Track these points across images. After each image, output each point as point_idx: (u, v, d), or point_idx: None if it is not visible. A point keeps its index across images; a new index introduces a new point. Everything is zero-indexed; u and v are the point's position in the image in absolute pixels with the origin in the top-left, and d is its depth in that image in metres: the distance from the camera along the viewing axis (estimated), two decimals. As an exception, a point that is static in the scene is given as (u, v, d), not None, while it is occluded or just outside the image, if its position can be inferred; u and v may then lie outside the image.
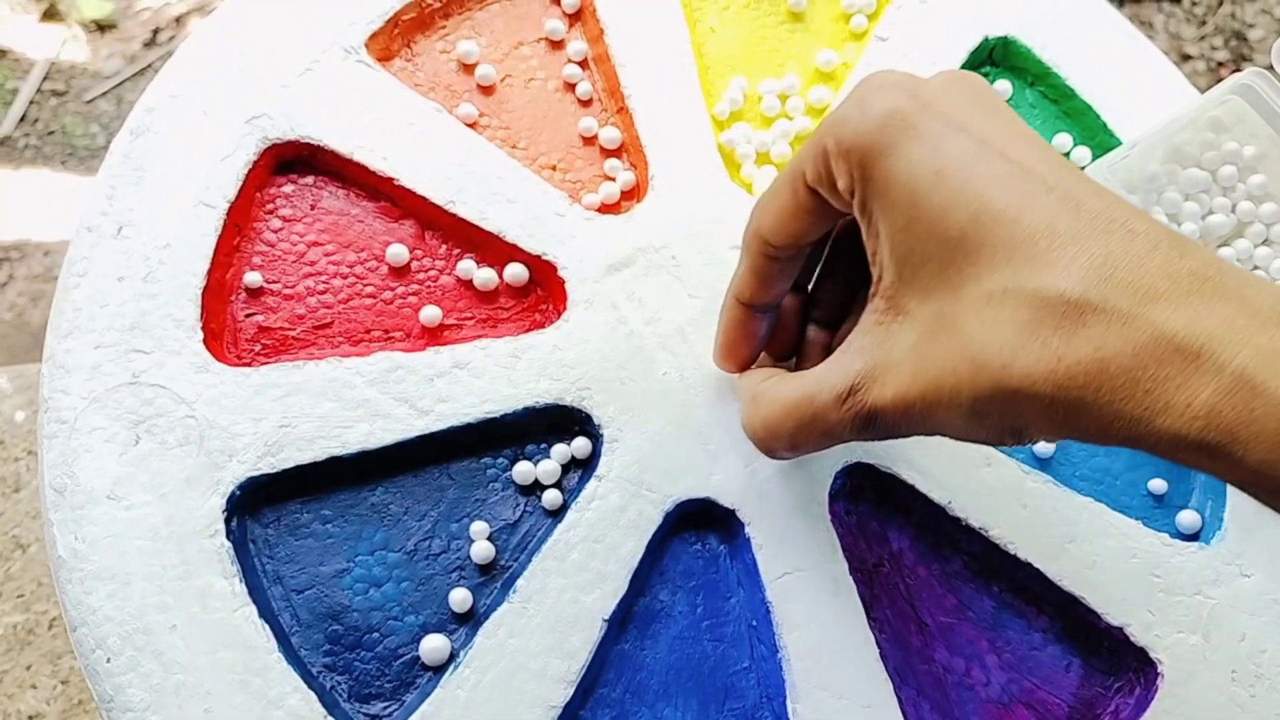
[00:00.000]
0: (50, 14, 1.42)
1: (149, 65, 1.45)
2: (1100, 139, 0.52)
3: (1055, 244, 0.29)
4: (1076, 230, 0.29)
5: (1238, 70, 1.51)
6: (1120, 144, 0.51)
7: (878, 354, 0.33)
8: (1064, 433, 0.30)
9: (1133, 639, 0.43)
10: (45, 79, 1.42)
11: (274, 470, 0.42)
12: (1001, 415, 0.30)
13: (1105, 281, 0.28)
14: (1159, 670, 0.43)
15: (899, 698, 0.42)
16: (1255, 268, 0.48)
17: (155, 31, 1.46)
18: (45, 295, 1.32)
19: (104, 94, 1.43)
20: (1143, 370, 0.27)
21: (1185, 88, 0.53)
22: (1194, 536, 0.46)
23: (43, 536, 0.81)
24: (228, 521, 0.41)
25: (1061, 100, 0.53)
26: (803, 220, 0.36)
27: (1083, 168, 0.52)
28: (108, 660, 0.39)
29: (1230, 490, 0.46)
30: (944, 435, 0.33)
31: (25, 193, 1.36)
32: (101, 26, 1.44)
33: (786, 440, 0.37)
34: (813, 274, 0.42)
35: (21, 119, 1.40)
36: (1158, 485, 0.47)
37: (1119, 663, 0.44)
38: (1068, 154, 0.52)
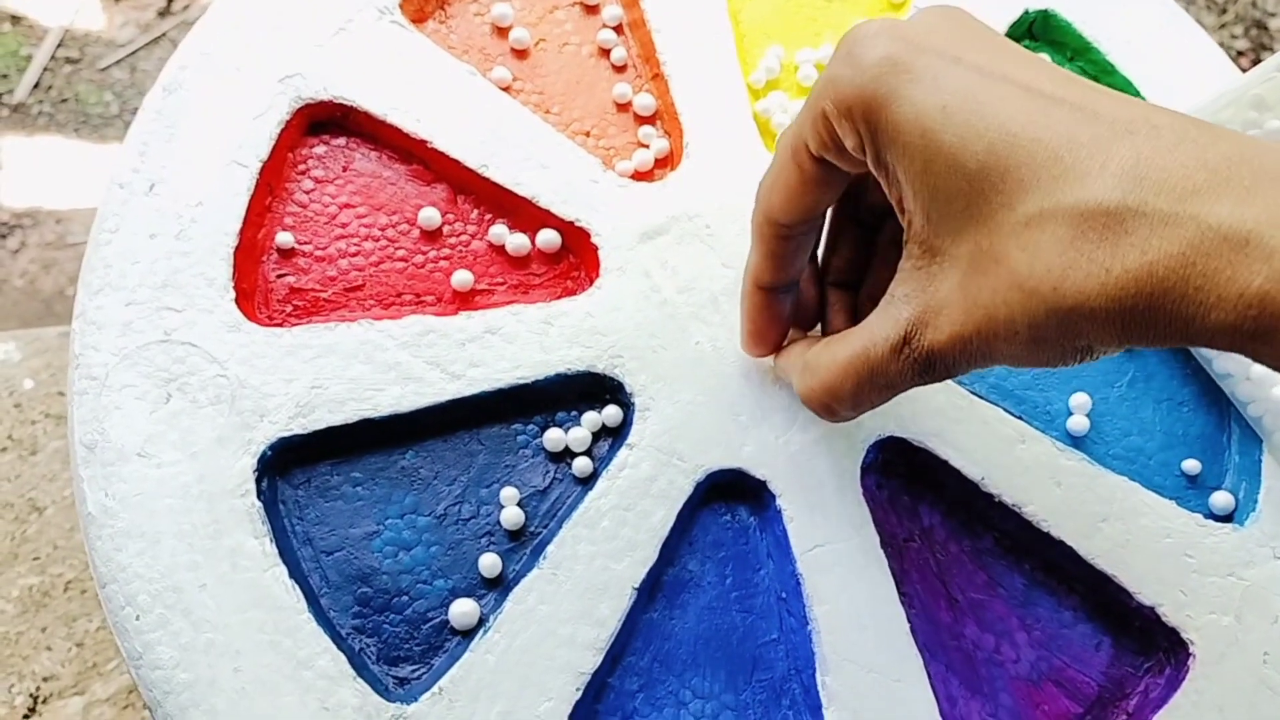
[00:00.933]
0: (66, -21, 1.41)
1: (163, 34, 1.44)
2: (1139, 116, 0.51)
3: (1081, 156, 0.28)
4: (1098, 137, 0.28)
5: (1258, 60, 1.50)
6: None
7: (924, 298, 0.32)
8: (1125, 341, 0.29)
9: (1164, 619, 0.43)
10: (59, 46, 1.41)
11: (305, 431, 0.41)
12: (1061, 336, 0.30)
13: (1139, 184, 0.27)
14: (1190, 651, 0.43)
15: (928, 672, 0.42)
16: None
17: (170, 0, 1.46)
18: (57, 262, 1.32)
19: (118, 62, 1.42)
20: (1191, 268, 0.27)
21: (1227, 66, 0.53)
22: (1228, 518, 0.46)
23: (59, 499, 0.81)
24: (258, 481, 0.41)
25: (1101, 76, 0.53)
26: (813, 193, 0.36)
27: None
28: (137, 617, 0.38)
29: (1265, 472, 0.46)
30: (1008, 365, 0.32)
31: (38, 160, 1.36)
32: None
33: (850, 400, 0.37)
34: (821, 239, 0.41)
35: (35, 86, 1.39)
36: (1191, 466, 0.46)
37: (1150, 643, 0.44)
38: (1106, 131, 0.52)
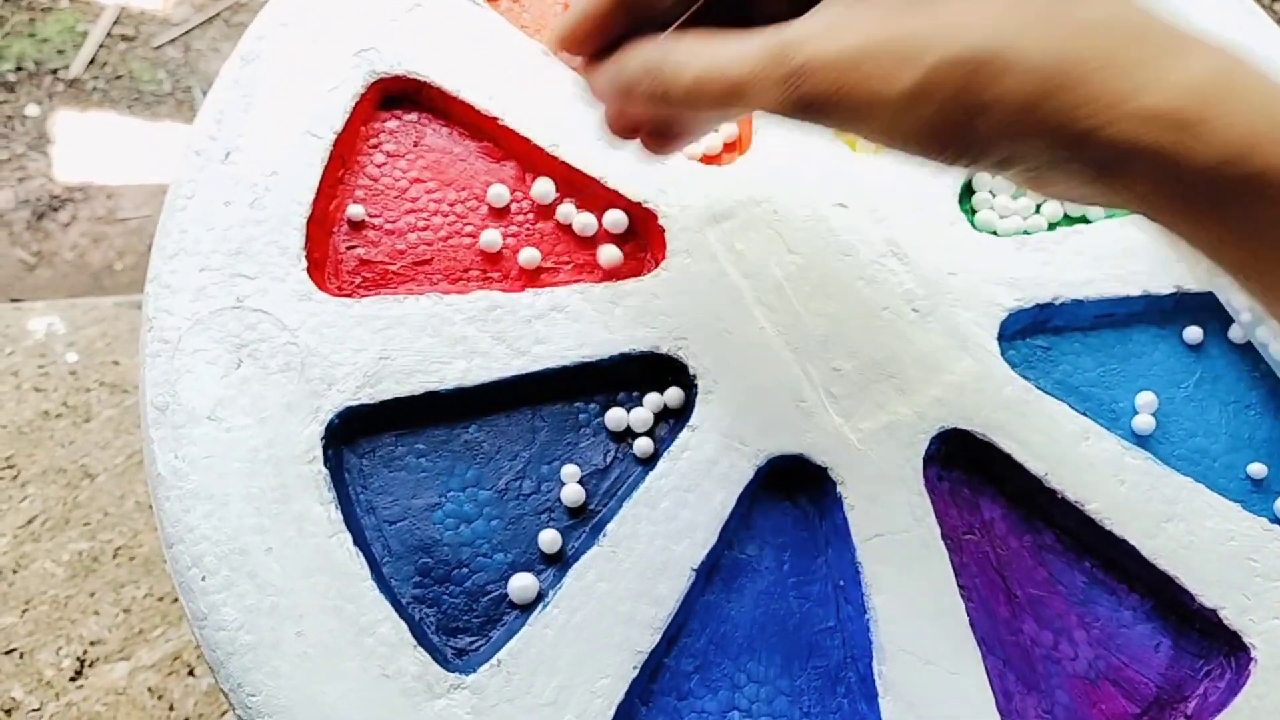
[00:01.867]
0: (125, -42, 1.43)
1: (217, 14, 1.46)
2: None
3: None
4: None
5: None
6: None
7: (832, 15, 0.29)
8: (1021, 124, 0.27)
9: (1226, 622, 0.43)
10: (115, 23, 1.43)
11: (372, 401, 0.42)
12: (955, 93, 0.27)
13: None
14: (1252, 655, 0.42)
15: (985, 666, 0.42)
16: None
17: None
18: (106, 237, 1.34)
19: (171, 41, 1.43)
20: (1133, 48, 0.26)
21: (1304, 66, 0.52)
22: (1293, 523, 0.45)
23: (111, 466, 0.82)
24: (325, 449, 0.41)
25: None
26: None
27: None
28: (203, 579, 0.39)
29: (1333, 479, 0.45)
30: (872, 125, 0.29)
31: (91, 135, 1.38)
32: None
33: (697, 96, 0.32)
34: None
35: (90, 62, 1.41)
36: (1257, 469, 0.46)
37: (1210, 646, 0.43)
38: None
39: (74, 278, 1.33)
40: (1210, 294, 0.47)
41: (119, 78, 1.42)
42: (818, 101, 0.29)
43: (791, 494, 0.44)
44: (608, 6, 0.34)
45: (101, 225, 1.35)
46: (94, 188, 1.35)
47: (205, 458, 0.40)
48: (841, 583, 0.43)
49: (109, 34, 1.42)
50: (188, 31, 1.44)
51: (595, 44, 0.35)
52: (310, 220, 0.44)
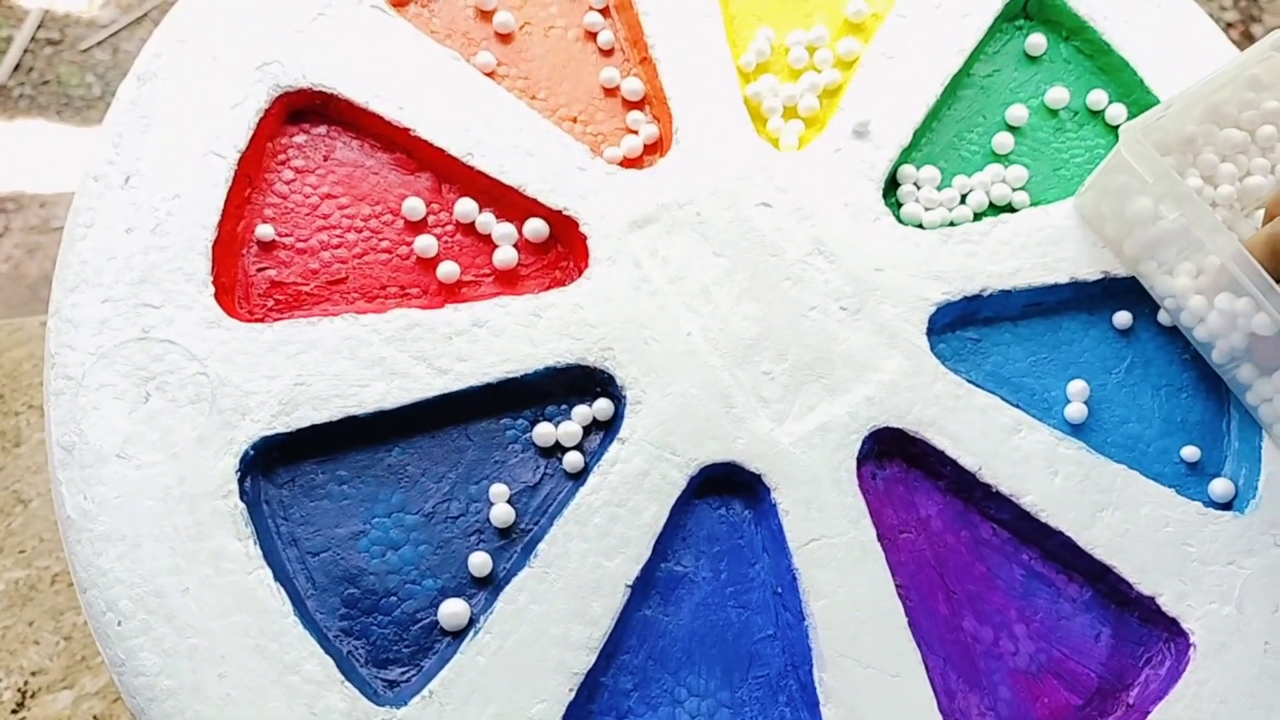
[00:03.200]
0: (44, -40, 1.39)
1: (145, 14, 1.42)
2: (1137, 95, 0.51)
3: None
4: None
5: (1248, 32, 1.48)
6: (1158, 101, 0.50)
7: None
8: None
9: (1164, 609, 0.43)
10: (40, 27, 1.39)
11: (288, 429, 0.40)
12: None
13: None
14: (1191, 641, 0.42)
15: (926, 666, 0.41)
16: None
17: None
18: (41, 247, 1.31)
19: (99, 43, 1.40)
20: None
21: (1221, 40, 0.52)
22: (1227, 505, 0.45)
23: (45, 491, 0.80)
24: (241, 482, 0.40)
25: (1097, 55, 0.51)
26: None
27: (1117, 126, 0.50)
28: (119, 623, 0.38)
29: (1265, 458, 0.45)
30: None
31: (20, 143, 1.34)
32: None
33: None
34: None
35: (16, 68, 1.37)
36: (1190, 453, 0.46)
37: (1150, 633, 0.43)
38: (1102, 111, 0.51)
39: (9, 290, 1.30)
40: (1135, 279, 0.47)
41: (46, 83, 1.38)
42: None
43: (726, 501, 0.43)
44: None
45: (36, 235, 1.32)
46: (26, 197, 1.31)
47: (115, 498, 0.39)
48: (779, 590, 0.42)
49: (34, 38, 1.38)
50: (115, 33, 1.41)
51: None
52: (216, 244, 0.42)
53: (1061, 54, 0.52)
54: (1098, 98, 0.51)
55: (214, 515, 0.39)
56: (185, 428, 0.40)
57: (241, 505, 0.39)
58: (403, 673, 0.39)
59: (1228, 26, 1.52)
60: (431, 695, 0.38)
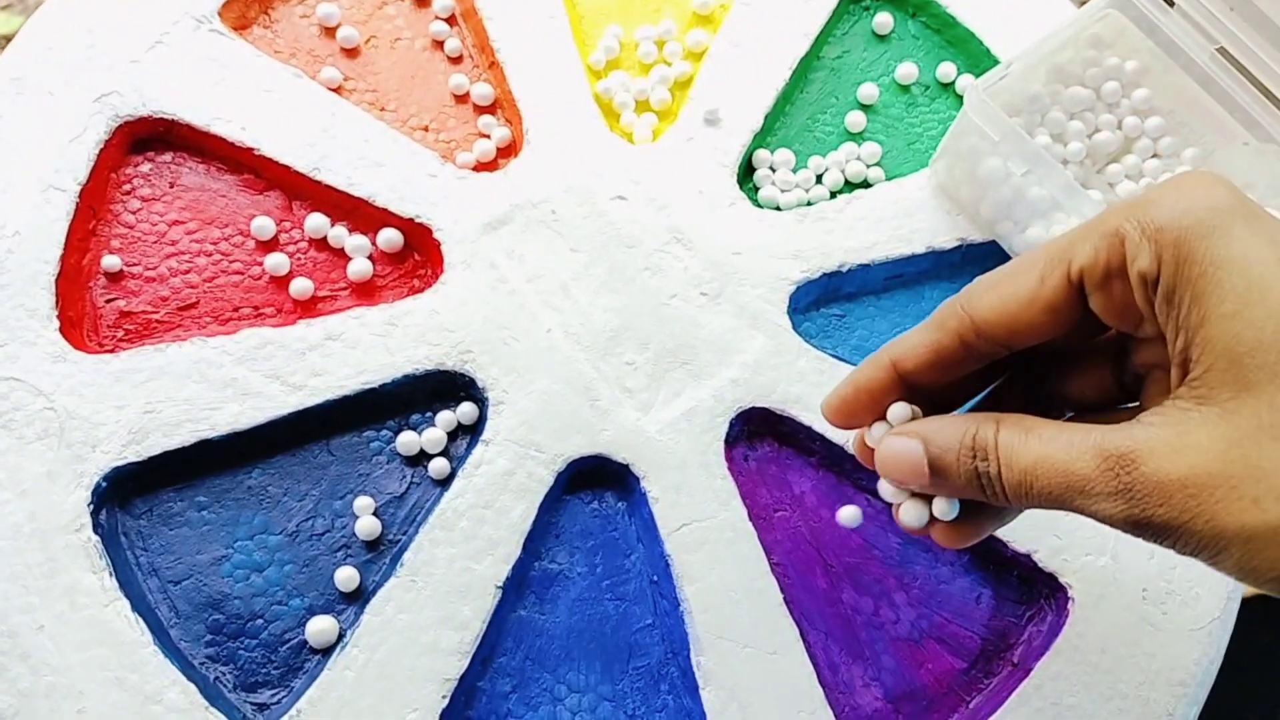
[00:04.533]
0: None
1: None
2: (985, 65, 0.51)
3: None
4: None
5: None
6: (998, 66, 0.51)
7: (1172, 433, 0.28)
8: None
9: (1040, 565, 0.43)
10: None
11: (140, 459, 0.40)
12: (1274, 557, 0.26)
13: None
14: (1069, 595, 0.42)
15: (806, 641, 0.41)
16: (1144, 178, 0.47)
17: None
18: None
19: None
20: None
21: (1065, 7, 0.52)
22: (1098, 458, 0.45)
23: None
24: (95, 515, 0.39)
25: (944, 29, 0.52)
26: (1041, 315, 0.31)
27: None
28: (-28, 668, 0.37)
29: (1132, 409, 0.46)
30: (1220, 559, 0.27)
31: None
32: (10, 40, 1.39)
33: (1036, 496, 0.30)
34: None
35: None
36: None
37: (1030, 591, 0.43)
38: (952, 83, 0.51)
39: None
40: (994, 243, 0.47)
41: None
42: (1158, 525, 0.28)
43: (598, 495, 0.43)
44: (883, 383, 0.33)
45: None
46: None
47: (-37, 541, 0.38)
48: (655, 578, 0.42)
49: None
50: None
51: (869, 418, 0.34)
52: (60, 277, 0.42)
53: (909, 30, 0.52)
54: (947, 70, 0.51)
55: (67, 550, 0.38)
56: (33, 464, 0.39)
57: (95, 538, 0.39)
58: (273, 694, 0.39)
59: None
60: (299, 714, 0.38)
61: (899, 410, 0.33)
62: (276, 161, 0.45)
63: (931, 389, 0.34)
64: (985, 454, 0.31)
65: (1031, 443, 0.30)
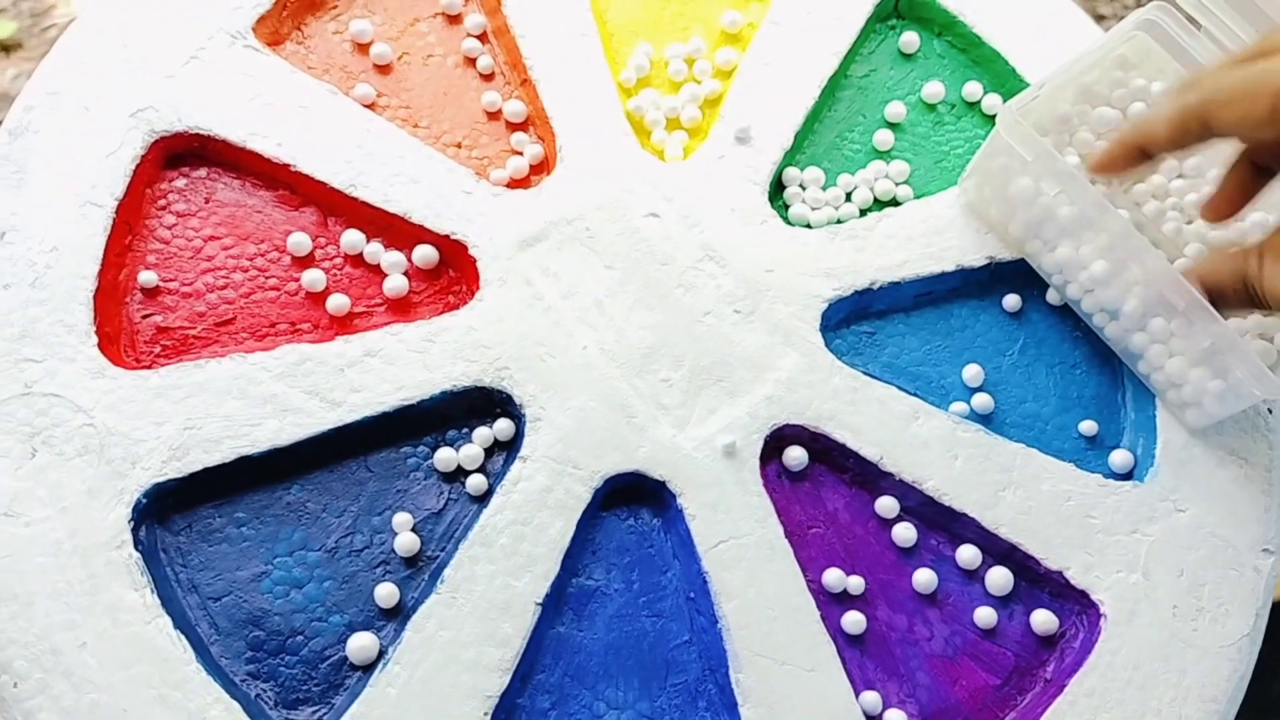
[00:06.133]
0: (-52, 35, 1.37)
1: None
2: (1010, 85, 0.52)
3: None
4: None
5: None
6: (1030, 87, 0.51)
7: None
8: None
9: (1073, 582, 0.43)
10: (-52, 102, 1.37)
11: (180, 475, 0.40)
12: None
13: None
14: (1101, 611, 0.43)
15: (842, 659, 0.41)
16: (1170, 198, 0.48)
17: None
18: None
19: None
20: None
21: (1090, 27, 0.53)
22: (1127, 475, 0.46)
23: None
24: (135, 531, 0.39)
25: (969, 49, 0.53)
26: (1271, 133, 0.38)
27: (993, 115, 0.51)
28: (15, 685, 0.37)
29: (1160, 427, 0.46)
30: None
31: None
32: (6, 47, 1.39)
33: None
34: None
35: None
36: (1088, 427, 0.46)
37: (1062, 607, 0.44)
38: (978, 102, 0.52)
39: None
40: (1022, 261, 0.48)
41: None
42: None
43: (634, 511, 0.43)
44: (1131, 153, 0.42)
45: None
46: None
47: (4, 557, 0.38)
48: (692, 595, 0.42)
49: (-58, 114, 1.36)
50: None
51: (1121, 172, 0.44)
52: (98, 293, 0.42)
53: (935, 50, 0.53)
54: (973, 89, 0.52)
55: (108, 567, 0.38)
56: (74, 481, 0.39)
57: (137, 555, 0.39)
58: (314, 712, 0.39)
59: (1100, 19, 1.56)
60: (343, 731, 0.38)
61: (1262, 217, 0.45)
62: (312, 178, 0.45)
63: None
64: (1255, 286, 0.40)
65: None
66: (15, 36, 1.39)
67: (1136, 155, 0.42)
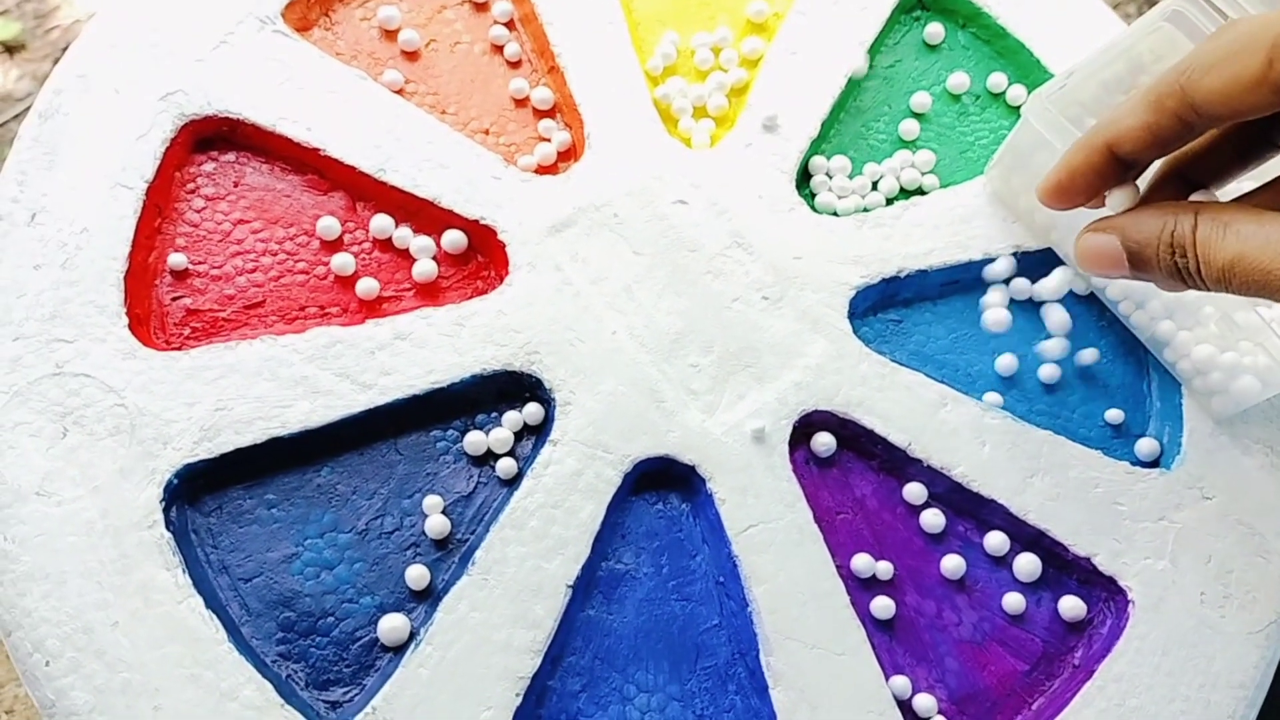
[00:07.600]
0: (-45, 35, 1.37)
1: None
2: (1035, 76, 0.52)
3: None
4: None
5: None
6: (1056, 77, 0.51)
7: None
8: None
9: (1101, 568, 0.43)
10: (-47, 102, 1.37)
11: (212, 455, 0.40)
12: None
13: None
14: (1129, 598, 0.43)
15: (872, 644, 0.41)
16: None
17: (66, 50, 1.42)
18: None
19: (16, 116, 1.38)
20: None
21: (1114, 20, 0.53)
22: (1154, 463, 0.46)
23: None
24: (166, 511, 0.39)
25: (994, 40, 0.53)
26: (1270, 96, 0.31)
27: (1018, 106, 0.52)
28: (47, 664, 0.37)
29: (1186, 415, 0.46)
30: None
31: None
32: (10, 48, 1.39)
33: (1236, 290, 0.32)
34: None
35: (-69, 142, 1.35)
36: (1114, 415, 0.46)
37: (1089, 593, 0.44)
38: (1003, 93, 0.52)
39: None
40: (1048, 250, 0.48)
41: (-39, 157, 1.36)
42: None
43: (663, 495, 0.43)
44: (1097, 165, 0.35)
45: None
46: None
47: (37, 536, 0.38)
48: (721, 579, 0.42)
49: (-53, 113, 1.36)
50: (32, 106, 1.39)
51: (1084, 198, 0.36)
52: (128, 275, 0.42)
53: (960, 41, 0.53)
54: (998, 80, 0.52)
55: (140, 547, 0.38)
56: (106, 461, 0.39)
57: (168, 535, 0.38)
58: (345, 693, 0.39)
59: (1125, 17, 1.57)
60: (375, 712, 0.38)
61: (1123, 196, 0.35)
62: (342, 162, 0.45)
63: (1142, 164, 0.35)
64: (1183, 250, 0.32)
65: (1229, 239, 0.31)
66: (19, 38, 1.39)
67: (1106, 162, 0.36)
